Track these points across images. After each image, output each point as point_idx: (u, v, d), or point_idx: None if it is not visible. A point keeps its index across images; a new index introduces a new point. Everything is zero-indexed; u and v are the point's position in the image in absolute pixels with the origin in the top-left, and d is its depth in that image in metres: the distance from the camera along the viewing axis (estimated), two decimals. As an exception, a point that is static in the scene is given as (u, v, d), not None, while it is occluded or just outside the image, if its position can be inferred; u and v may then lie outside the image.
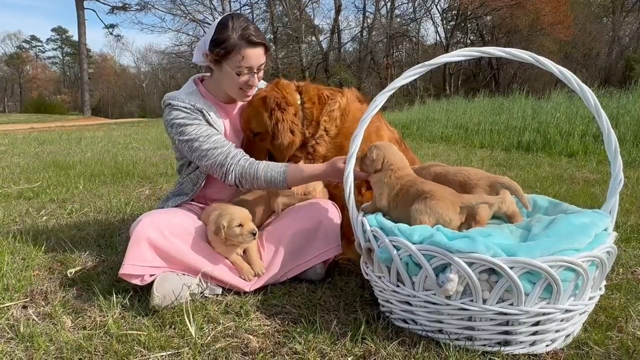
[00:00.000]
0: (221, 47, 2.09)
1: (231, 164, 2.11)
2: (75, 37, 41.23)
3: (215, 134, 2.18)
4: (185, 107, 2.18)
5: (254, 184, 2.11)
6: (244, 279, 2.02)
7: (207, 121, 2.20)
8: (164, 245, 1.92)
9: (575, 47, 33.25)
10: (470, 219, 1.77)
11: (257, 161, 2.13)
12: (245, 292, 2.00)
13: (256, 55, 2.13)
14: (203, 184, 2.30)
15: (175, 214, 2.11)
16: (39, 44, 64.83)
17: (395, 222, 1.72)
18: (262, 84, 2.47)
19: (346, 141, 2.27)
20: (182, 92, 2.27)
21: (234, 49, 2.09)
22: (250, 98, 2.28)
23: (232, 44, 2.08)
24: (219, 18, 2.17)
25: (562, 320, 1.51)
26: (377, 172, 1.89)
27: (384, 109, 2.36)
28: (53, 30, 65.98)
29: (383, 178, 1.86)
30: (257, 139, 2.30)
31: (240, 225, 1.96)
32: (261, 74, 2.22)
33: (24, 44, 63.71)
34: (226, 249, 2.03)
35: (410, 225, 1.70)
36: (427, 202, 1.70)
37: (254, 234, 1.98)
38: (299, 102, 2.29)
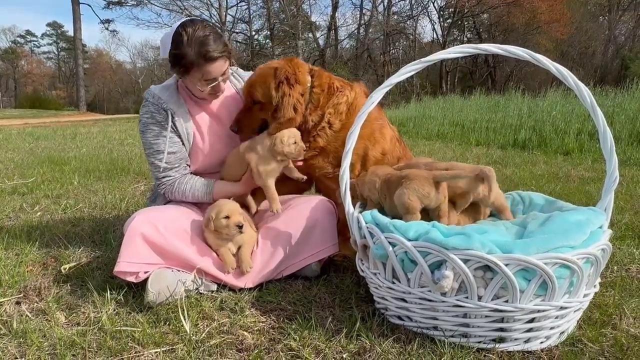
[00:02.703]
0: (180, 65, 2.04)
1: (164, 183, 2.26)
2: (71, 32, 40.91)
3: (164, 151, 2.20)
4: (154, 104, 2.21)
5: (182, 200, 2.27)
6: (226, 272, 2.00)
7: (173, 124, 2.20)
8: (158, 241, 1.92)
9: (571, 46, 33.32)
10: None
11: (184, 181, 2.25)
12: (240, 289, 2.00)
13: (217, 68, 2.08)
14: None
15: (169, 210, 2.11)
16: (34, 38, 64.44)
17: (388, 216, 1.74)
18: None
19: None
20: (160, 86, 2.29)
21: (193, 68, 2.04)
22: (219, 96, 2.29)
23: (189, 62, 2.02)
24: (175, 26, 2.08)
25: (556, 317, 1.51)
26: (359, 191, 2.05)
27: (380, 105, 2.36)
28: (48, 25, 65.47)
29: (363, 186, 2.02)
30: (255, 108, 2.25)
31: (227, 217, 1.97)
32: (226, 76, 2.20)
33: (18, 39, 63.29)
34: (216, 242, 2.03)
35: (400, 212, 1.78)
36: (404, 184, 1.79)
37: (240, 227, 1.97)
38: (308, 85, 2.25)
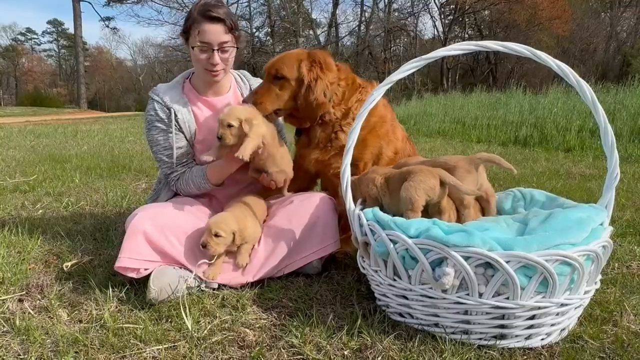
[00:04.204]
0: (185, 25, 2.17)
1: (173, 179, 2.32)
2: (71, 30, 40.94)
3: (172, 147, 2.24)
4: (158, 102, 2.26)
5: (190, 192, 2.31)
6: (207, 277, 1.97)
7: (176, 120, 2.24)
8: (159, 241, 1.92)
9: (572, 42, 33.17)
10: (458, 204, 1.87)
11: (187, 172, 2.28)
12: (242, 286, 2.00)
13: (213, 31, 2.13)
14: None
15: (171, 209, 2.11)
16: (35, 36, 64.41)
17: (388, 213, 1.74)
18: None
19: (369, 135, 2.25)
20: (165, 85, 2.35)
21: (193, 24, 2.14)
22: (218, 77, 2.24)
23: (191, 20, 2.14)
24: None
25: (557, 314, 1.52)
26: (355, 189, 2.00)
27: (389, 105, 2.37)
28: (49, 22, 65.69)
29: (361, 183, 2.00)
30: (276, 84, 2.18)
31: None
32: (227, 54, 2.20)
33: (19, 37, 63.26)
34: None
35: (401, 209, 1.78)
36: (410, 178, 1.79)
37: (204, 246, 1.95)
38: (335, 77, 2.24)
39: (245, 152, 1.97)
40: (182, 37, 2.25)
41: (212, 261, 2.00)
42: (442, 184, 1.78)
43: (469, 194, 1.80)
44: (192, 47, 2.16)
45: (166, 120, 2.24)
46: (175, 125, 2.24)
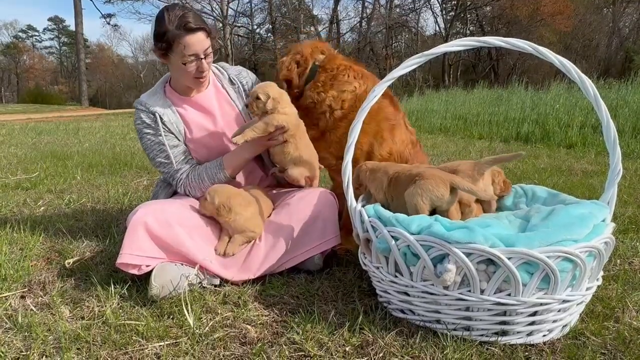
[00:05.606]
0: (162, 41, 2.11)
1: (179, 179, 2.28)
2: (72, 27, 40.94)
3: (166, 148, 2.25)
4: (142, 111, 2.27)
5: (202, 187, 2.24)
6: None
7: (163, 123, 2.25)
8: (161, 233, 1.92)
9: (575, 38, 33.06)
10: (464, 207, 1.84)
11: (196, 168, 2.28)
12: (243, 283, 2.01)
13: (198, 41, 2.12)
14: None
15: (172, 204, 2.11)
16: (36, 33, 64.43)
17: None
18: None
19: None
20: (147, 93, 2.36)
21: (175, 40, 2.09)
22: (205, 83, 2.31)
23: (171, 36, 2.08)
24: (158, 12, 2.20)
25: (559, 311, 1.51)
26: (365, 184, 2.04)
27: (395, 105, 2.34)
28: (50, 19, 65.53)
29: (371, 183, 1.99)
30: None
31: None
32: (210, 58, 2.22)
33: (20, 34, 63.29)
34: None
35: (408, 212, 1.73)
36: (418, 183, 1.74)
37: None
38: (313, 60, 2.32)
39: (239, 139, 2.04)
40: (158, 54, 2.19)
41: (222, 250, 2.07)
42: (453, 190, 1.73)
43: (485, 198, 1.78)
44: (183, 63, 2.13)
45: (153, 125, 2.25)
46: (164, 128, 2.25)
